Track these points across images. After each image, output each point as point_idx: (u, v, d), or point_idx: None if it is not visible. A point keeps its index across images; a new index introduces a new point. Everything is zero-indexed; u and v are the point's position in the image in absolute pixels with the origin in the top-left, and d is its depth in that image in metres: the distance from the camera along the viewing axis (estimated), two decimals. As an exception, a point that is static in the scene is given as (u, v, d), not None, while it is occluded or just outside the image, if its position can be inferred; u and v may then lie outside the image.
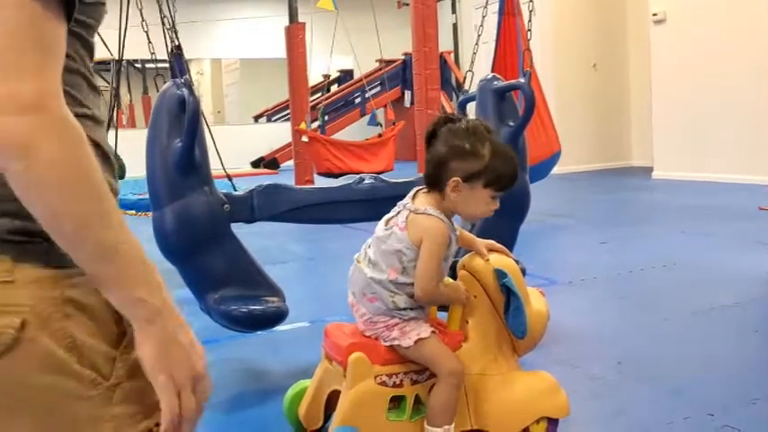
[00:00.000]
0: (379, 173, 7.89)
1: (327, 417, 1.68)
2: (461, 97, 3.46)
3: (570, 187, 7.58)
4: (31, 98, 0.65)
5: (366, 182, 2.46)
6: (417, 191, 1.67)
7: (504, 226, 2.68)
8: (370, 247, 1.65)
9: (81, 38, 0.80)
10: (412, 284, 1.57)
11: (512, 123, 2.71)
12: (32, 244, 0.74)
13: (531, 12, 3.80)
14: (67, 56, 0.73)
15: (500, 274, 1.64)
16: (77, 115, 0.72)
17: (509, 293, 1.64)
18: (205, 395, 0.80)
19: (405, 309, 1.59)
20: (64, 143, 0.67)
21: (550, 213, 5.61)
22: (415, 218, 1.59)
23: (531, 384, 1.70)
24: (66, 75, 0.72)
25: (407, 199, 1.65)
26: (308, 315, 2.99)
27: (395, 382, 1.58)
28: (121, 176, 6.07)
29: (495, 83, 2.78)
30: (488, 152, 1.57)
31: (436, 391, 1.57)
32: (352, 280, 1.66)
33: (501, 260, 1.69)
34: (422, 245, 1.56)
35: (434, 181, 1.60)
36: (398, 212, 1.63)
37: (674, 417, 1.94)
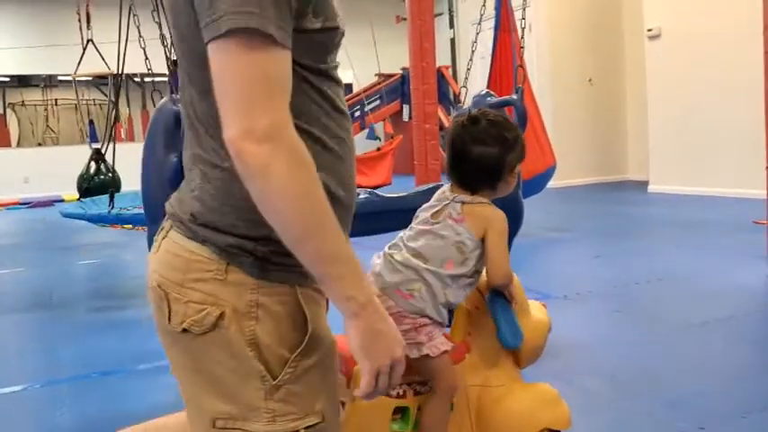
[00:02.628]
0: (377, 186, 7.96)
1: None
2: (455, 112, 3.50)
3: (566, 201, 7.60)
4: (264, 130, 0.83)
5: (361, 196, 2.48)
6: (451, 186, 1.65)
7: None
8: (410, 240, 1.61)
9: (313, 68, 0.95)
10: (467, 276, 1.58)
11: (506, 138, 2.74)
12: (244, 257, 0.93)
13: (523, 29, 3.84)
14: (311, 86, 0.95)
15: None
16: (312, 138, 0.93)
17: (495, 305, 1.65)
18: (398, 376, 0.96)
19: (447, 306, 1.58)
20: (291, 166, 0.84)
21: (546, 227, 5.63)
22: (473, 208, 1.59)
23: (533, 396, 1.70)
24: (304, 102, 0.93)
25: (447, 193, 1.63)
26: None
27: (398, 393, 1.58)
28: (117, 190, 6.09)
29: (489, 98, 2.82)
30: (518, 141, 1.60)
31: (432, 405, 1.56)
32: (385, 272, 1.58)
33: None
34: (488, 233, 1.57)
35: (487, 178, 1.60)
36: (445, 205, 1.61)
37: (668, 430, 1.95)
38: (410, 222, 2.92)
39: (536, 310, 1.74)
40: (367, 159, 8.43)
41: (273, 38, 0.82)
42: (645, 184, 7.87)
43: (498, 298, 1.64)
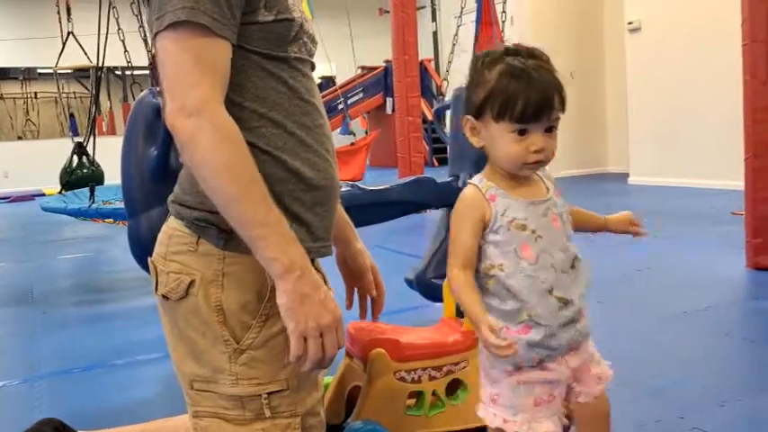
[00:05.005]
0: (347, 182, 7.94)
1: (349, 412, 1.71)
2: (437, 105, 3.51)
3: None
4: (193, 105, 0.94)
5: (342, 189, 2.47)
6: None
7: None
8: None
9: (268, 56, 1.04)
10: (479, 280, 1.22)
11: (486, 131, 2.75)
12: (210, 229, 1.03)
13: (503, 22, 3.84)
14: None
15: None
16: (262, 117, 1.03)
17: None
18: (332, 346, 1.00)
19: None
20: (215, 139, 0.94)
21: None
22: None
23: None
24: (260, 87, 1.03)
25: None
26: None
27: (413, 378, 1.63)
28: (99, 183, 6.05)
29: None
30: (496, 74, 1.16)
31: None
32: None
33: None
34: None
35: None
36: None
37: (648, 419, 1.97)
38: (393, 215, 2.89)
39: None
40: (341, 154, 8.44)
41: (207, 28, 0.95)
42: (625, 175, 7.93)
43: None
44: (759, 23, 3.47)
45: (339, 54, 10.22)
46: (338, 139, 10.38)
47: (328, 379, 1.79)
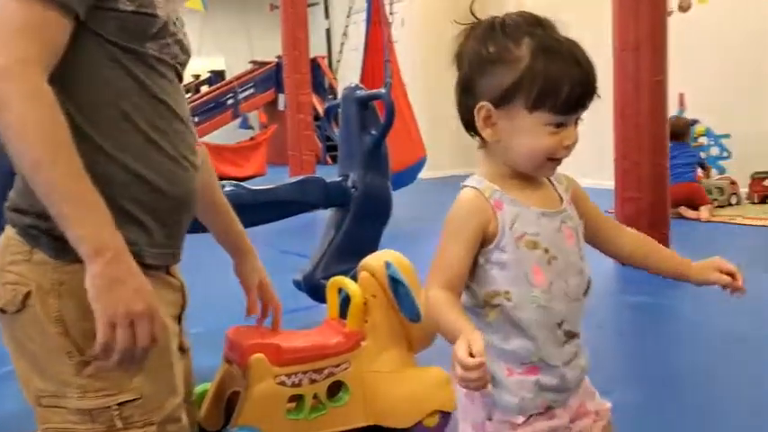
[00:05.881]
0: (250, 177, 7.82)
1: (228, 418, 1.68)
2: (327, 104, 3.51)
3: (437, 192, 7.81)
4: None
5: (226, 189, 2.43)
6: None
7: (366, 230, 2.75)
8: None
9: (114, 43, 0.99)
10: (473, 310, 1.01)
11: (374, 132, 2.78)
12: (42, 237, 0.97)
13: (391, 23, 3.89)
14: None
15: (386, 266, 1.72)
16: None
17: (396, 283, 1.72)
18: (145, 336, 0.94)
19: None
20: (25, 103, 0.89)
21: (418, 217, 5.77)
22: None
23: (424, 379, 1.79)
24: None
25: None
26: (202, 322, 2.92)
27: (294, 382, 1.63)
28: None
29: (358, 92, 2.84)
30: (528, 51, 0.94)
31: None
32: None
33: (393, 254, 1.80)
34: None
35: (465, 121, 1.02)
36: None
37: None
38: (280, 216, 2.86)
39: None
40: (240, 149, 8.28)
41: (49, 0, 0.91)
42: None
43: (398, 279, 1.70)
44: (627, 33, 3.71)
45: (230, 48, 10.05)
46: (237, 134, 10.19)
47: (206, 385, 1.76)
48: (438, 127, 8.88)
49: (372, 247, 2.50)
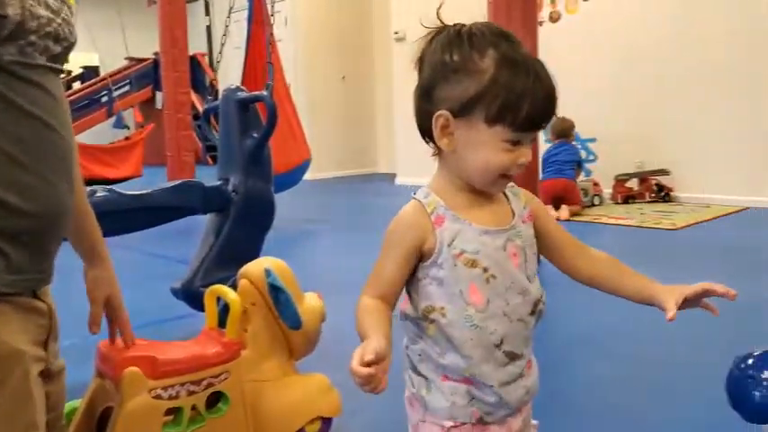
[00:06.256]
0: (125, 179, 7.49)
1: None
2: (206, 106, 3.42)
3: (321, 193, 7.82)
4: None
5: (99, 194, 2.32)
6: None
7: (247, 235, 2.71)
8: None
9: None
10: (416, 321, 1.02)
11: (256, 135, 2.74)
12: None
13: (272, 25, 3.85)
14: None
15: (266, 273, 1.69)
16: None
17: (276, 290, 1.70)
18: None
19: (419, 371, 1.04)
20: None
21: (302, 219, 5.75)
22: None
23: (305, 386, 1.78)
24: None
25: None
26: (76, 333, 2.75)
27: (171, 395, 1.56)
28: None
29: (239, 93, 2.79)
30: (492, 63, 0.93)
31: None
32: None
33: (272, 261, 1.77)
34: None
35: (425, 130, 1.02)
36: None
37: (403, 417, 2.09)
38: (157, 221, 2.76)
39: (311, 299, 1.81)
40: (115, 150, 7.91)
41: None
42: (393, 176, 8.35)
43: (279, 286, 1.69)
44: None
45: (105, 44, 9.60)
46: (112, 133, 9.74)
47: (75, 402, 1.67)
48: (322, 127, 8.91)
49: (254, 253, 2.46)
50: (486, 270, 0.96)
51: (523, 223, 1.02)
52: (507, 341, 0.98)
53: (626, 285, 1.05)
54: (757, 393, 0.90)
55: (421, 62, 1.01)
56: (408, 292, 1.03)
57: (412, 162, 8.05)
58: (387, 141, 9.14)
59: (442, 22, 0.99)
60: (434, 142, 1.00)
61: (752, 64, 5.46)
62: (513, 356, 1.00)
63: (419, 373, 1.03)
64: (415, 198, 1.02)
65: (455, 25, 0.98)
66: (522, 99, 0.91)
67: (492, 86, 0.92)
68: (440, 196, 1.00)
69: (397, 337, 0.99)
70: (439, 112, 0.96)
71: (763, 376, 0.95)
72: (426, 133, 1.01)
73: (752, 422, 0.94)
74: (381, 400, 1.05)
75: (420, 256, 0.98)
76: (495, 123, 0.93)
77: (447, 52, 0.96)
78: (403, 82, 8.06)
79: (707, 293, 0.99)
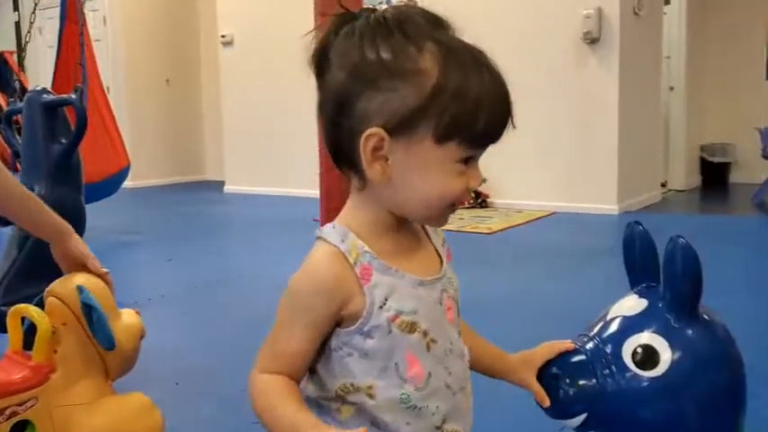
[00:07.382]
0: None
1: None
2: (7, 109, 3.15)
3: (141, 202, 7.48)
4: None
5: None
6: None
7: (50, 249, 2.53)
8: None
9: None
10: (320, 404, 0.80)
11: (65, 141, 2.57)
12: None
13: (85, 23, 3.64)
14: None
15: (79, 290, 1.58)
16: None
17: (89, 309, 1.59)
18: None
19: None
20: None
21: (118, 230, 5.47)
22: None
23: (123, 407, 1.67)
24: None
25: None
26: None
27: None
28: None
29: (45, 96, 2.60)
30: (434, 61, 0.71)
31: None
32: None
33: (85, 278, 1.63)
34: None
35: (338, 151, 0.77)
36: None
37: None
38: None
39: (127, 316, 1.71)
40: None
41: None
42: (221, 183, 8.16)
43: (92, 304, 1.58)
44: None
45: None
46: None
47: None
48: (144, 133, 8.51)
49: (56, 269, 2.31)
50: (426, 334, 0.76)
51: (449, 266, 0.84)
52: (450, 419, 0.78)
53: (481, 358, 0.90)
54: (561, 391, 0.94)
55: (326, 62, 0.76)
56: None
57: (241, 169, 7.93)
58: (215, 147, 8.91)
59: (344, 8, 0.75)
60: (357, 170, 0.75)
61: (548, 89, 5.97)
62: None
63: None
64: (325, 241, 0.76)
65: (370, 9, 0.74)
66: (479, 107, 0.71)
67: (439, 94, 0.70)
68: (362, 239, 0.76)
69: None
70: (369, 131, 0.72)
71: (564, 373, 0.99)
72: (345, 158, 0.76)
73: (557, 419, 0.98)
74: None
75: (338, 320, 0.75)
76: (447, 141, 0.71)
77: (371, 47, 0.71)
78: (231, 88, 7.92)
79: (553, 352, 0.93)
